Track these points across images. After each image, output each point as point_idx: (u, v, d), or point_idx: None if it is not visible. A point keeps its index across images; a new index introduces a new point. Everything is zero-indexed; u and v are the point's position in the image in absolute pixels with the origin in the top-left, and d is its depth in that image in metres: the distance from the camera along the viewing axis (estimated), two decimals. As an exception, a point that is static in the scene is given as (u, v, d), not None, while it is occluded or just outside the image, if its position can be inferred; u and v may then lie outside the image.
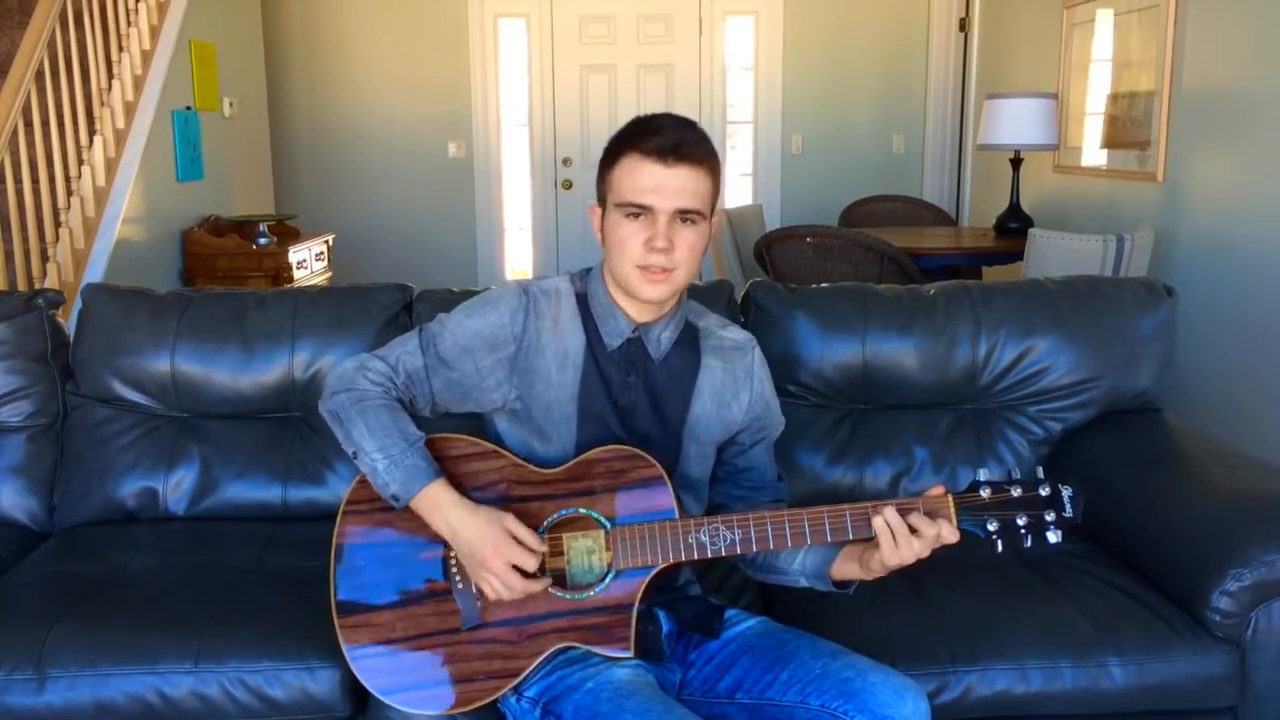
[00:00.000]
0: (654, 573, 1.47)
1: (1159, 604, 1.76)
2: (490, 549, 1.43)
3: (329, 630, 1.54)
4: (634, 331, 1.56)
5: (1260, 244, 3.21)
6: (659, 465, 1.49)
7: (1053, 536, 1.39)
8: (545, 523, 1.50)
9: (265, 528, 2.06)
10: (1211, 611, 1.68)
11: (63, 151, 3.88)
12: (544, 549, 1.46)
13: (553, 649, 1.46)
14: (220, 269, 4.70)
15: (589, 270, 1.61)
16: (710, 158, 1.50)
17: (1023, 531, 1.39)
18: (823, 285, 2.26)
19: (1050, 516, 1.39)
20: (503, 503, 1.51)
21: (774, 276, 4.09)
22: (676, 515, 1.48)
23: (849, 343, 2.15)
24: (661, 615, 1.55)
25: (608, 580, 1.47)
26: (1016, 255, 3.90)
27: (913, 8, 6.13)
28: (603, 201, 1.54)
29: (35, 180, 3.80)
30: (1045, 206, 4.79)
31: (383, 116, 6.13)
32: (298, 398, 2.15)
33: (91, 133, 4.14)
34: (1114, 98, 4.19)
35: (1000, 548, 1.40)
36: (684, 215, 1.47)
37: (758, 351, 1.67)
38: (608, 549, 1.47)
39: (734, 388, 1.63)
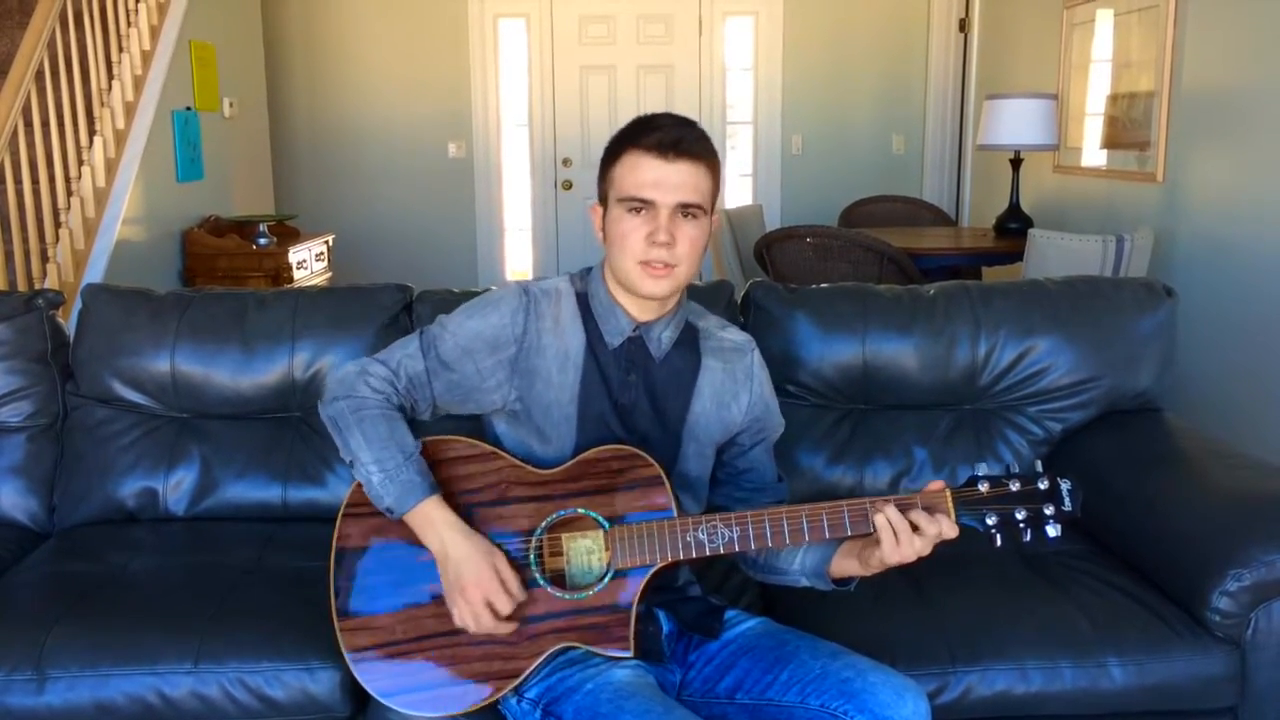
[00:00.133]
0: (653, 571, 1.47)
1: (1159, 604, 1.76)
2: (472, 580, 1.43)
3: (329, 631, 1.54)
4: (635, 330, 1.57)
5: (1260, 244, 3.21)
6: (657, 465, 1.49)
7: (1051, 530, 1.39)
8: (544, 523, 1.50)
9: (265, 528, 2.06)
10: (1211, 612, 1.68)
11: (63, 152, 3.88)
12: (523, 598, 1.46)
13: (552, 649, 1.46)
14: (220, 269, 4.70)
15: (589, 270, 1.62)
16: (710, 155, 1.51)
17: (1021, 525, 1.40)
18: (822, 285, 2.27)
19: (1049, 510, 1.40)
20: (501, 504, 1.51)
21: (774, 277, 4.09)
22: (675, 514, 1.48)
23: (849, 343, 2.15)
24: (661, 616, 1.55)
25: (607, 580, 1.47)
26: (1016, 255, 3.90)
27: (913, 8, 6.14)
28: (604, 200, 1.54)
29: (35, 181, 3.80)
30: (1045, 207, 4.79)
31: (383, 116, 6.13)
32: (298, 398, 2.15)
33: (91, 133, 4.14)
34: (1114, 98, 4.19)
35: (999, 541, 1.40)
36: (685, 210, 1.48)
37: (757, 353, 1.68)
38: (606, 549, 1.47)
39: (734, 389, 1.63)
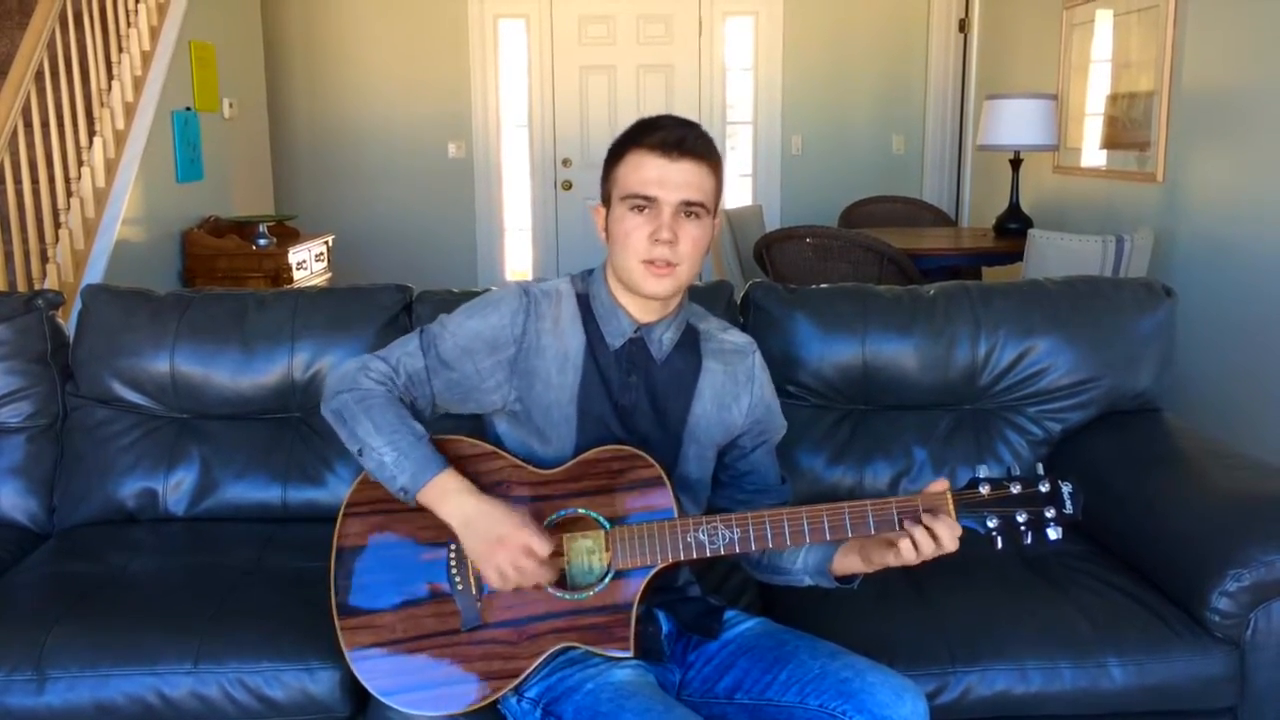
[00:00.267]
0: (653, 572, 1.47)
1: (1159, 604, 1.76)
2: (506, 530, 1.42)
3: (329, 631, 1.54)
4: (636, 332, 1.57)
5: (1260, 244, 3.21)
6: (658, 465, 1.49)
7: (1053, 533, 1.39)
8: (544, 523, 1.50)
9: (265, 529, 2.06)
10: (1211, 612, 1.68)
11: (62, 152, 3.88)
12: (557, 540, 1.46)
13: (552, 649, 1.47)
14: (220, 270, 4.70)
15: (590, 271, 1.62)
16: (712, 155, 1.51)
17: (1023, 528, 1.40)
18: (822, 286, 2.27)
19: (1050, 513, 1.40)
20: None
21: (773, 277, 4.09)
22: (675, 515, 1.48)
23: (849, 343, 2.15)
24: (661, 616, 1.55)
25: (607, 580, 1.47)
26: (1016, 256, 3.90)
27: (912, 8, 6.14)
28: (607, 201, 1.55)
29: (35, 181, 3.80)
30: (1045, 207, 4.79)
31: (383, 117, 6.13)
32: (297, 398, 2.16)
33: (91, 134, 4.14)
34: (1113, 98, 4.19)
35: (1000, 544, 1.40)
36: (688, 209, 1.48)
37: (758, 355, 1.68)
38: (607, 549, 1.47)
39: (735, 390, 1.63)
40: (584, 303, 1.59)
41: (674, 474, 1.56)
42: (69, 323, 2.30)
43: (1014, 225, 4.33)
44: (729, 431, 1.64)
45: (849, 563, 1.51)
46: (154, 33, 4.51)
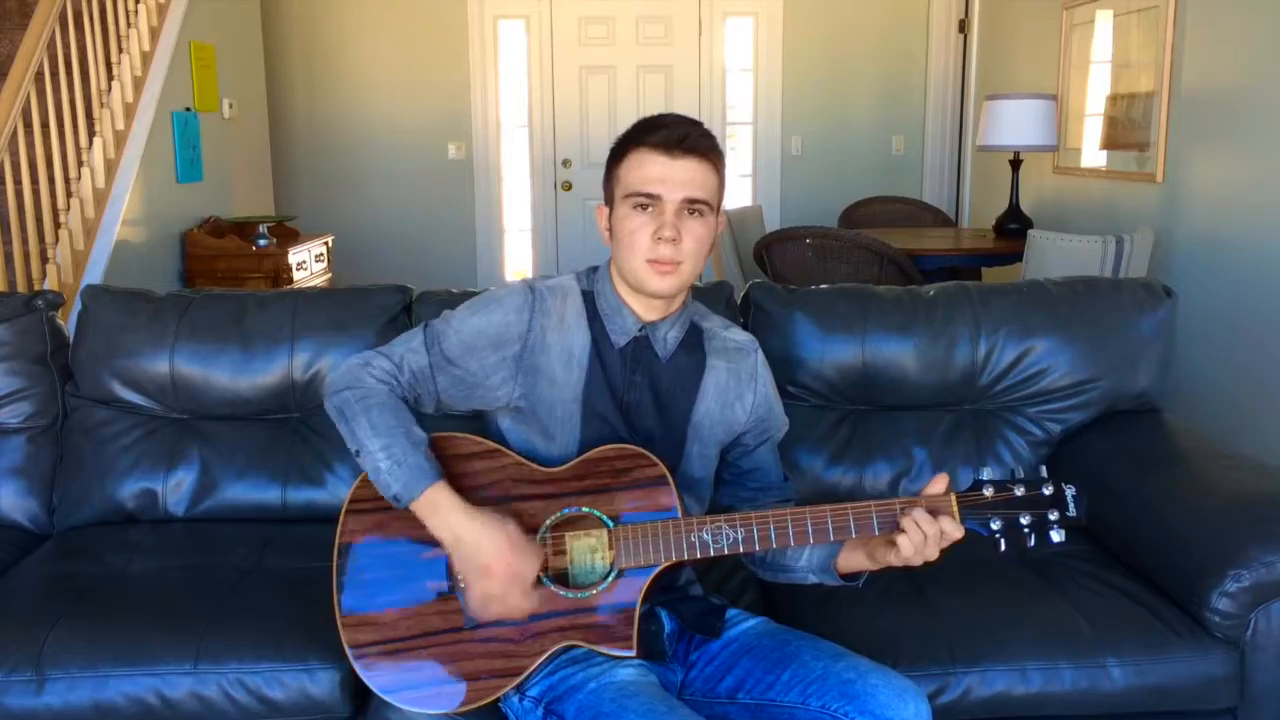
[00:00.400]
0: (656, 571, 1.47)
1: (1159, 605, 1.76)
2: (492, 554, 1.42)
3: (329, 631, 1.54)
4: (640, 330, 1.57)
5: (1260, 244, 3.21)
6: (662, 464, 1.49)
7: (1056, 536, 1.39)
8: (547, 521, 1.50)
9: (265, 529, 2.06)
10: (1211, 612, 1.68)
11: (62, 153, 3.89)
12: (543, 559, 1.46)
13: (555, 648, 1.46)
14: (220, 270, 4.70)
15: (596, 269, 1.62)
16: (715, 152, 1.52)
17: (1026, 531, 1.40)
18: (822, 286, 2.27)
19: (1054, 516, 1.40)
20: (505, 501, 1.51)
21: (773, 277, 4.09)
22: (679, 514, 1.48)
23: (849, 344, 2.15)
24: (663, 615, 1.55)
25: (610, 579, 1.47)
26: (1016, 256, 3.90)
27: (912, 9, 6.14)
28: (610, 200, 1.55)
29: (35, 182, 3.80)
30: (1045, 207, 4.79)
31: (382, 118, 6.13)
32: (297, 399, 2.15)
33: (91, 134, 4.14)
34: (1113, 99, 4.19)
35: (1003, 547, 1.40)
36: (691, 206, 1.48)
37: (760, 354, 1.68)
38: (610, 548, 1.47)
39: (738, 389, 1.63)
40: (589, 300, 1.59)
41: (677, 473, 1.56)
42: (69, 323, 2.30)
43: (1014, 226, 4.33)
44: (732, 430, 1.64)
45: (854, 560, 1.51)
46: (154, 33, 4.51)
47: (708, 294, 2.14)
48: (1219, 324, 3.41)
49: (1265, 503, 1.78)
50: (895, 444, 2.16)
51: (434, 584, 1.51)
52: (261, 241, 4.82)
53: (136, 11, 4.42)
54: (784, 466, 1.74)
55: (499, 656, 1.47)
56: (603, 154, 1.57)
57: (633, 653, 1.45)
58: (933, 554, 1.41)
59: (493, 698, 1.48)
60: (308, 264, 5.03)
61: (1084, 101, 4.47)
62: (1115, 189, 4.18)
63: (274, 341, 2.13)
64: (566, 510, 1.50)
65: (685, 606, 1.58)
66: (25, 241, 3.68)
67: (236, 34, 5.46)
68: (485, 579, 1.43)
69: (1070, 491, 1.41)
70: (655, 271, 1.49)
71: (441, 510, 1.45)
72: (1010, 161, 4.39)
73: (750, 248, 4.46)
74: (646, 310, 1.56)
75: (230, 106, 5.30)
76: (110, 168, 4.16)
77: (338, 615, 1.52)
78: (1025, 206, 4.47)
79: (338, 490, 2.07)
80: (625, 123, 1.56)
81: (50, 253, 3.78)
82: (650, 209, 1.48)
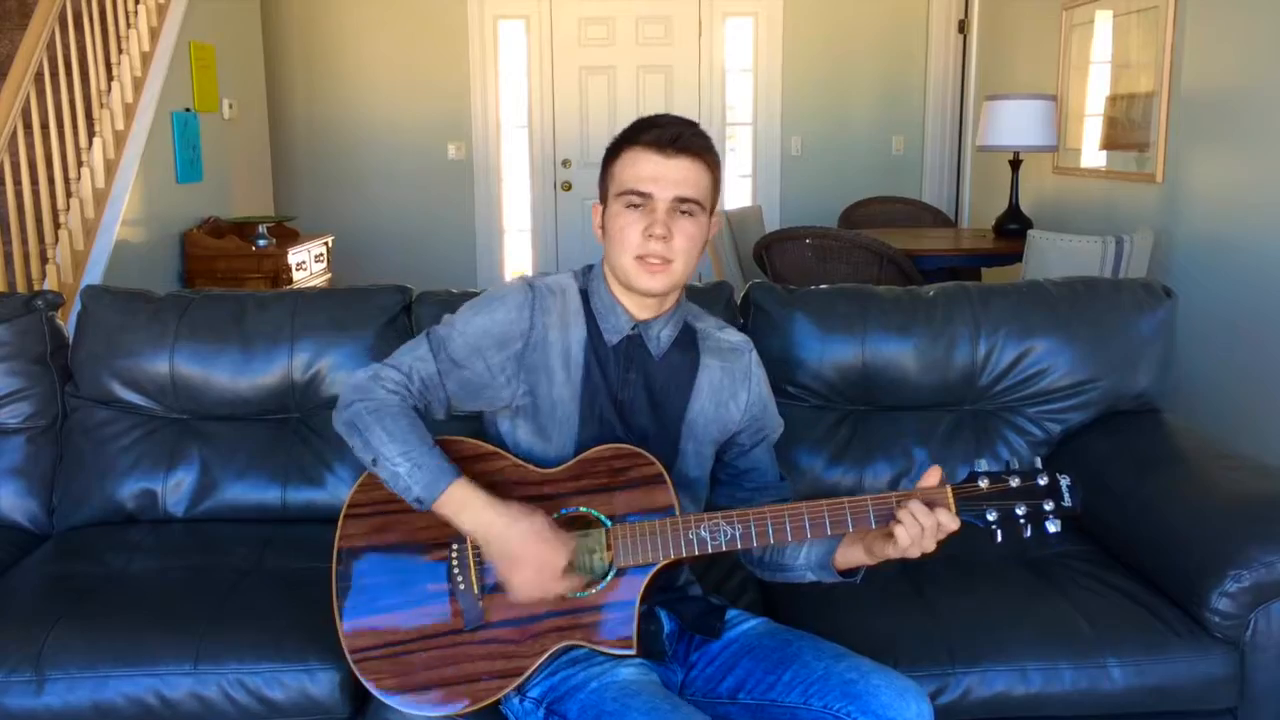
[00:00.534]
0: (656, 569, 1.47)
1: (1158, 605, 1.76)
2: (521, 546, 1.42)
3: (329, 632, 1.54)
4: (633, 328, 1.57)
5: (1260, 244, 3.21)
6: (659, 463, 1.49)
7: (1052, 526, 1.39)
8: (546, 523, 1.50)
9: (264, 529, 2.06)
10: (1211, 613, 1.68)
11: (62, 153, 3.88)
12: (573, 546, 1.46)
13: (555, 648, 1.47)
14: (220, 270, 4.70)
15: (591, 267, 1.63)
16: (709, 152, 1.52)
17: (1022, 521, 1.40)
18: (822, 287, 2.27)
19: (1049, 506, 1.40)
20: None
21: (773, 278, 4.09)
22: (677, 512, 1.48)
23: (848, 344, 2.15)
24: (663, 615, 1.55)
25: (609, 578, 1.47)
26: (1016, 256, 3.90)
27: (912, 9, 6.14)
28: (604, 199, 1.55)
29: (35, 182, 3.80)
30: (1044, 208, 4.79)
31: (382, 118, 6.13)
32: (297, 399, 2.15)
33: (91, 134, 4.14)
34: (1113, 99, 4.19)
35: (999, 537, 1.40)
36: (683, 206, 1.49)
37: (755, 354, 1.68)
38: (609, 547, 1.47)
39: (732, 388, 1.63)
40: (585, 298, 1.59)
41: (673, 471, 1.56)
42: (69, 323, 2.30)
43: (1014, 226, 4.33)
44: (726, 428, 1.64)
45: (852, 555, 1.51)
46: (154, 34, 4.51)
47: (707, 294, 2.14)
48: (1219, 324, 3.41)
49: (1265, 503, 1.78)
50: (895, 444, 2.16)
51: (434, 586, 1.51)
52: (261, 242, 4.81)
53: (136, 12, 4.42)
54: (780, 467, 1.74)
55: (499, 658, 1.47)
56: (602, 155, 1.58)
57: (633, 651, 1.45)
58: (930, 546, 1.41)
59: (493, 699, 1.48)
60: (307, 264, 5.03)
61: (1084, 102, 4.47)
62: (1115, 189, 4.18)
63: (274, 342, 2.13)
64: (565, 510, 1.50)
65: (685, 607, 1.58)
66: (25, 242, 3.68)
67: (236, 34, 5.46)
68: (518, 569, 1.43)
69: (1065, 481, 1.41)
70: (645, 269, 1.49)
71: (470, 506, 1.45)
72: (1010, 162, 4.39)
73: (750, 248, 4.46)
74: (639, 309, 1.57)
75: (230, 107, 5.30)
76: (110, 168, 4.16)
77: (338, 620, 1.52)
78: (1025, 207, 4.47)
79: (337, 490, 2.07)
80: (625, 123, 1.56)
81: (50, 253, 3.78)
82: (642, 207, 1.49)
